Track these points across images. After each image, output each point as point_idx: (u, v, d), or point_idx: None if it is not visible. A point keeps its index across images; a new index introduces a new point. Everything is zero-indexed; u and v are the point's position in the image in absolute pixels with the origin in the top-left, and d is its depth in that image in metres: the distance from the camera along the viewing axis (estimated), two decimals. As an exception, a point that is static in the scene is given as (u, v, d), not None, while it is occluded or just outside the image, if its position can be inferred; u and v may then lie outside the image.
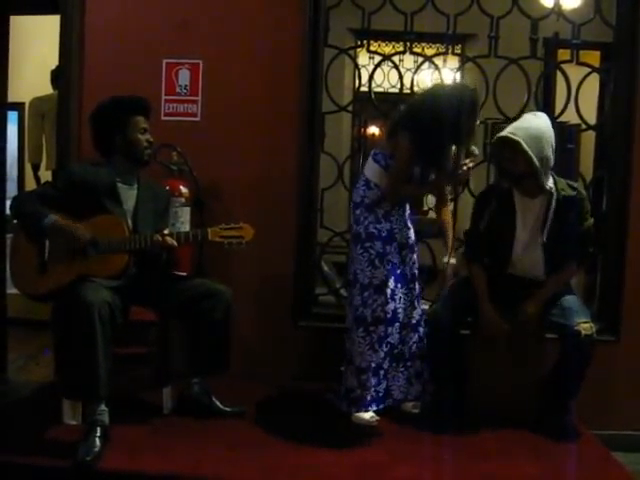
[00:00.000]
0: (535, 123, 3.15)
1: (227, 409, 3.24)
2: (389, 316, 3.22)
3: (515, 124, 3.18)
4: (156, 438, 2.99)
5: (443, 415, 3.19)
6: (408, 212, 3.40)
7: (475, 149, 3.26)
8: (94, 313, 2.78)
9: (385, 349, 3.23)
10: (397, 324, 3.27)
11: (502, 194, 3.26)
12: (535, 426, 3.20)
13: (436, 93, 3.25)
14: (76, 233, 2.98)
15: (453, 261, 3.55)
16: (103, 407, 2.85)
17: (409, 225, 3.38)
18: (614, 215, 3.72)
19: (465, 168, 3.23)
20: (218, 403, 3.24)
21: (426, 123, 3.14)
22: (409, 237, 3.36)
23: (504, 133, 3.14)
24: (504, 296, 3.25)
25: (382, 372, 3.24)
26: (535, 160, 3.06)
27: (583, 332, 3.05)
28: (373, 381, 3.22)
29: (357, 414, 3.21)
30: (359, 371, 3.23)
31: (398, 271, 3.27)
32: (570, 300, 3.22)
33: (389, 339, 3.24)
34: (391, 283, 3.23)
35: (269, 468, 2.77)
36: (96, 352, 2.78)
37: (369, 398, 3.22)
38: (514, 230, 3.24)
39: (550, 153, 3.12)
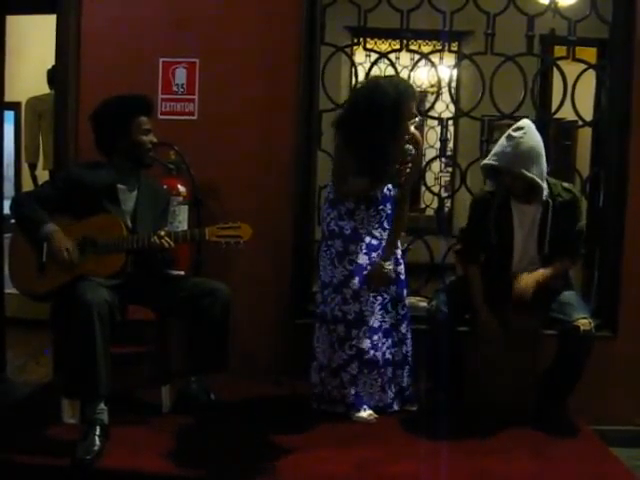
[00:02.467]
0: (526, 143, 3.09)
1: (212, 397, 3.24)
2: (351, 317, 3.18)
3: (508, 150, 3.10)
4: (155, 437, 2.99)
5: (441, 412, 3.19)
6: (389, 212, 3.28)
7: (409, 147, 3.16)
8: (93, 312, 2.78)
9: (350, 352, 3.19)
10: (365, 328, 3.19)
11: (499, 201, 3.26)
12: (532, 422, 3.20)
13: (359, 91, 3.18)
14: (64, 251, 2.98)
15: (388, 265, 3.20)
16: (102, 406, 2.85)
17: (386, 226, 3.27)
18: (611, 211, 3.72)
19: (403, 167, 3.13)
20: (217, 401, 3.24)
21: (350, 121, 3.11)
22: (383, 238, 3.26)
23: (501, 165, 3.11)
24: (502, 297, 3.25)
25: (346, 376, 3.20)
26: (539, 181, 3.08)
27: (582, 328, 3.05)
28: (332, 382, 3.23)
29: (356, 412, 3.20)
30: (319, 368, 3.28)
31: (365, 272, 3.20)
32: (569, 296, 3.23)
33: (354, 342, 3.18)
34: (354, 284, 3.18)
35: (268, 465, 2.76)
36: (95, 351, 2.79)
37: (328, 397, 3.26)
38: (512, 235, 3.25)
39: (545, 163, 3.13)
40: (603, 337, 3.54)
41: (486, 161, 3.21)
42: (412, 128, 3.16)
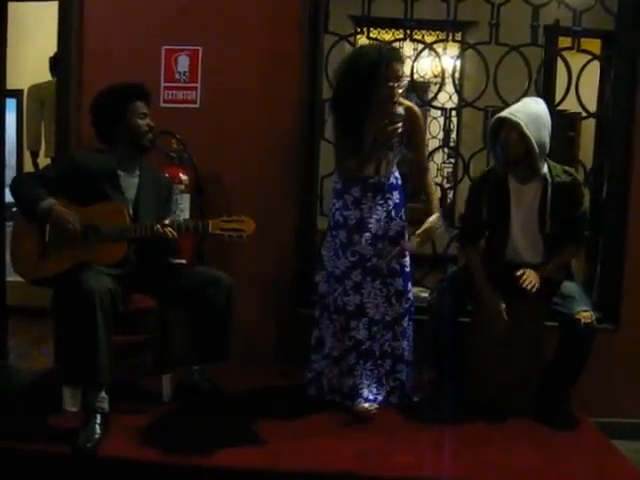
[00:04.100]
0: (534, 108, 3.16)
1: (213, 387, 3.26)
2: (351, 309, 3.17)
3: (515, 106, 3.20)
4: (155, 425, 2.99)
5: (443, 403, 3.19)
6: (396, 201, 3.25)
7: (396, 108, 3.09)
8: (95, 300, 2.78)
9: (349, 343, 3.19)
10: (365, 319, 3.19)
11: (497, 179, 3.26)
12: (534, 414, 3.21)
13: (344, 58, 3.21)
14: (70, 222, 2.97)
15: (440, 225, 3.26)
16: (103, 394, 2.86)
17: (394, 216, 3.23)
18: (614, 203, 3.71)
19: (392, 128, 3.09)
20: (217, 390, 3.24)
21: (336, 90, 3.16)
22: (389, 229, 3.22)
23: (504, 114, 3.15)
24: (501, 285, 3.24)
25: (345, 365, 3.22)
26: (534, 142, 3.07)
27: (583, 321, 3.04)
28: (333, 370, 3.26)
29: (356, 402, 3.19)
30: (323, 357, 3.30)
31: (369, 264, 3.17)
32: (570, 288, 3.22)
33: (353, 333, 3.18)
34: (356, 276, 3.17)
35: (269, 455, 2.77)
36: (97, 339, 2.79)
37: (326, 386, 3.29)
38: (509, 216, 3.24)
39: (547, 139, 3.13)
40: (605, 329, 3.53)
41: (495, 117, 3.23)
42: (399, 91, 3.09)
